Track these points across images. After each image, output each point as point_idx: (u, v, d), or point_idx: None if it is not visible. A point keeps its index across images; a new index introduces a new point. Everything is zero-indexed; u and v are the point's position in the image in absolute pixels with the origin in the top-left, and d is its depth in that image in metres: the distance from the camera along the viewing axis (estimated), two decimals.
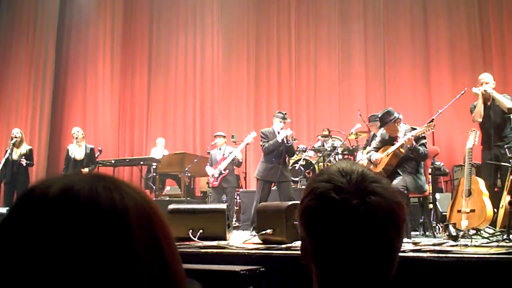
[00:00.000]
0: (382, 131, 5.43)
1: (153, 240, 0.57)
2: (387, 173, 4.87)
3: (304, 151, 8.04)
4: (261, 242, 4.31)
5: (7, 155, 7.58)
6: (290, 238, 4.07)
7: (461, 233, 4.15)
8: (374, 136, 6.49)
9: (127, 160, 9.99)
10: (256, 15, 10.88)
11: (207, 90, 11.21)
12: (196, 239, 4.38)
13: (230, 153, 7.68)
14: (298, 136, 9.03)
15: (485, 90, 5.33)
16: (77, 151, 7.87)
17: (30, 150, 8.00)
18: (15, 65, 11.83)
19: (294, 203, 4.43)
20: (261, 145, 6.51)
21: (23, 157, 7.72)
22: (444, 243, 3.74)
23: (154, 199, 9.01)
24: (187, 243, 4.29)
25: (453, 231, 3.85)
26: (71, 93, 11.98)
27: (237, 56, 10.92)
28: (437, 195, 5.87)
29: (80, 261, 0.52)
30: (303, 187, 7.63)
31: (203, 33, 11.40)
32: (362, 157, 6.44)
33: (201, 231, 4.51)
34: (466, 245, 3.53)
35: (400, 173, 4.94)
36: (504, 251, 3.11)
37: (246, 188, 8.63)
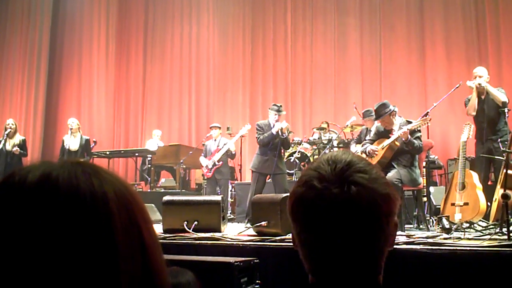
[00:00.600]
0: (377, 123, 5.44)
1: (133, 225, 0.57)
2: (382, 166, 4.89)
3: (300, 144, 8.05)
4: (255, 234, 4.32)
5: (0, 145, 7.54)
6: (285, 230, 4.08)
7: (455, 226, 4.17)
8: (368, 130, 6.51)
9: (122, 151, 9.97)
10: (252, 7, 10.84)
11: (202, 82, 11.18)
12: (191, 230, 4.39)
13: (225, 144, 7.68)
14: (294, 129, 9.03)
15: (479, 84, 5.35)
16: (72, 142, 7.85)
17: (24, 141, 7.98)
18: (9, 55, 11.74)
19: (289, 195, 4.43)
20: (257, 137, 6.51)
21: (16, 147, 7.70)
22: (437, 235, 3.76)
23: (149, 191, 9.01)
24: (182, 234, 4.29)
25: (446, 224, 3.88)
26: (66, 84, 11.91)
27: (233, 48, 10.88)
28: (431, 188, 5.90)
29: (59, 246, 0.52)
30: None
31: (198, 25, 11.34)
32: (355, 150, 6.45)
33: (196, 222, 4.51)
34: (459, 238, 3.55)
35: (395, 166, 4.96)
36: (497, 243, 3.13)
37: (241, 180, 8.64)
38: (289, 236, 3.90)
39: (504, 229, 3.53)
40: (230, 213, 7.60)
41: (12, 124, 7.86)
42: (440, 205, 5.01)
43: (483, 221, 4.58)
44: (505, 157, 4.31)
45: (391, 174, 4.81)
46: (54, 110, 11.78)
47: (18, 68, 11.61)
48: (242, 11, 10.90)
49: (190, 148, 9.05)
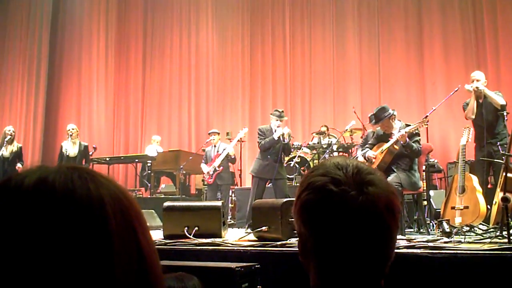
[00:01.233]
0: (376, 128, 5.46)
1: (129, 229, 0.57)
2: (381, 170, 4.89)
3: (299, 148, 8.06)
4: (256, 239, 4.32)
5: (0, 152, 7.56)
6: (285, 235, 4.08)
7: (455, 229, 4.18)
8: (373, 133, 6.54)
9: (122, 157, 9.97)
10: (251, 14, 10.87)
11: (202, 88, 11.21)
12: (191, 236, 4.39)
13: (224, 149, 7.69)
14: (293, 134, 9.02)
15: (476, 87, 5.37)
16: (70, 148, 7.86)
17: (20, 148, 8.02)
18: (9, 62, 11.77)
19: (290, 200, 4.44)
20: (258, 142, 6.53)
21: (14, 154, 7.74)
22: (438, 239, 3.76)
23: (149, 196, 9.01)
24: (183, 240, 4.29)
25: (446, 228, 3.88)
26: (65, 90, 11.93)
27: (232, 54, 10.91)
28: (431, 192, 5.91)
29: (56, 251, 0.52)
30: (298, 184, 7.68)
31: (197, 31, 11.38)
32: (357, 154, 6.47)
33: (196, 228, 4.50)
34: (460, 242, 3.56)
35: (394, 169, 4.97)
36: (497, 247, 3.13)
37: (241, 185, 8.64)
38: (290, 241, 3.91)
39: (505, 232, 3.54)
40: (230, 219, 7.59)
41: (13, 132, 7.88)
42: (440, 209, 5.01)
43: (483, 225, 4.58)
44: (504, 160, 4.32)
45: (391, 178, 4.82)
46: (54, 116, 11.79)
47: (18, 74, 11.63)
48: (241, 18, 10.93)
49: (190, 154, 9.06)
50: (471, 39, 8.95)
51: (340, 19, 10.04)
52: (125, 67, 11.89)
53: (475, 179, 4.76)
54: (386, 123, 5.14)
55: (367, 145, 5.45)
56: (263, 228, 4.23)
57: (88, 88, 11.76)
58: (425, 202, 5.58)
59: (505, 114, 5.20)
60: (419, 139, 5.13)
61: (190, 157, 8.58)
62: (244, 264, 3.13)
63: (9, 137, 7.72)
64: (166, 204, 4.88)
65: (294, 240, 3.94)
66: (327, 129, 8.51)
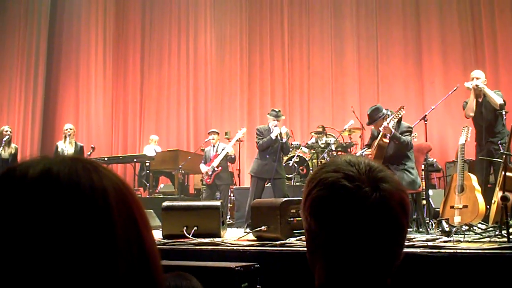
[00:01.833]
0: (372, 127, 5.51)
1: (131, 220, 0.58)
2: None
3: (298, 148, 8.05)
4: (255, 239, 4.31)
5: None
6: (284, 234, 4.08)
7: (454, 229, 4.18)
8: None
9: (120, 157, 9.95)
10: (249, 13, 10.87)
11: (200, 87, 11.20)
12: (190, 236, 4.38)
13: (223, 149, 7.68)
14: (292, 133, 9.04)
15: (476, 85, 5.37)
16: (67, 148, 7.84)
17: (16, 149, 8.01)
18: (6, 62, 11.74)
19: (289, 199, 4.44)
20: (256, 142, 6.53)
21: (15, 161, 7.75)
22: (437, 238, 3.76)
23: (147, 196, 9.00)
24: (182, 240, 4.28)
25: (446, 227, 3.88)
26: (64, 90, 11.91)
27: (230, 54, 10.90)
28: (430, 191, 5.91)
29: (60, 241, 0.52)
30: (297, 184, 7.70)
31: (195, 31, 11.37)
32: (357, 154, 6.48)
33: (195, 228, 4.50)
34: (459, 241, 3.56)
35: (390, 168, 4.97)
36: (497, 246, 3.14)
37: (239, 185, 8.63)
38: (289, 240, 3.91)
39: (504, 232, 3.54)
40: (229, 218, 7.58)
41: (10, 132, 7.85)
42: (439, 208, 5.01)
43: (482, 224, 4.59)
44: (503, 160, 4.32)
45: None
46: (52, 117, 11.77)
47: (16, 75, 11.60)
48: (239, 18, 10.93)
49: (188, 153, 9.05)
50: (469, 39, 8.95)
51: (338, 19, 10.04)
52: (123, 66, 11.87)
53: (474, 178, 4.77)
54: (380, 123, 5.17)
55: (365, 145, 5.49)
56: (262, 227, 4.23)
57: (86, 88, 11.74)
58: (424, 202, 5.58)
59: (504, 113, 5.20)
60: (409, 134, 5.15)
61: (189, 157, 8.57)
62: (244, 263, 3.13)
63: (7, 137, 7.69)
64: (165, 204, 4.88)
65: (293, 240, 3.95)
66: (324, 129, 8.51)
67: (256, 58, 10.65)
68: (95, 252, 0.53)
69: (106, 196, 0.56)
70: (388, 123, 4.96)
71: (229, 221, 7.19)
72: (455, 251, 3.08)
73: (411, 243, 3.49)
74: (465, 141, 4.98)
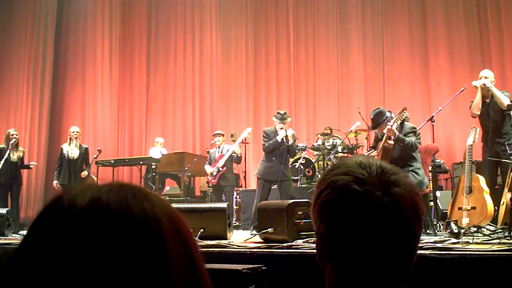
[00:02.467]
0: (376, 131, 5.48)
1: (185, 249, 0.56)
2: None
3: (304, 150, 8.03)
4: (262, 241, 4.30)
5: (6, 155, 7.55)
6: (291, 236, 4.06)
7: (462, 230, 4.14)
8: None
9: (127, 160, 9.96)
10: (254, 14, 10.87)
11: (206, 90, 11.20)
12: (197, 238, 4.37)
13: (228, 150, 7.67)
14: (297, 135, 9.01)
15: (484, 84, 5.33)
16: (72, 151, 7.86)
17: (24, 152, 8.04)
18: (14, 64, 11.79)
19: (295, 201, 4.43)
20: (262, 144, 6.52)
21: (21, 160, 7.79)
22: (445, 240, 3.73)
23: None
24: None
25: (455, 228, 3.84)
26: (70, 93, 11.95)
27: (236, 55, 10.90)
28: (437, 193, 5.87)
29: (114, 274, 0.50)
30: (303, 185, 7.67)
31: (201, 32, 11.38)
32: None
33: (201, 230, 4.49)
34: (468, 243, 3.52)
35: None
36: (506, 248, 3.10)
37: (245, 187, 8.62)
38: (296, 243, 3.89)
39: None
40: (235, 220, 7.57)
41: (17, 135, 7.88)
42: (447, 210, 4.98)
43: (491, 225, 4.55)
44: None
45: None
46: (59, 120, 11.81)
47: (22, 78, 11.65)
48: (244, 19, 10.93)
49: (194, 156, 9.05)
50: (476, 39, 8.90)
51: (344, 19, 10.02)
52: (129, 69, 11.90)
53: (482, 180, 4.73)
54: (384, 127, 5.13)
55: (370, 148, 5.47)
56: (269, 229, 4.21)
57: (92, 91, 11.77)
58: (431, 203, 5.54)
59: (511, 114, 5.15)
60: (413, 135, 5.12)
61: (195, 159, 8.57)
62: (251, 266, 3.11)
63: (14, 140, 7.71)
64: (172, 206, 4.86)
65: (300, 242, 3.93)
66: (331, 131, 8.48)
67: (261, 59, 10.65)
68: (151, 283, 0.51)
69: (160, 225, 0.54)
70: (391, 125, 4.92)
71: (235, 223, 7.18)
72: (464, 253, 3.05)
73: (420, 244, 3.46)
74: (473, 142, 4.95)
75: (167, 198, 8.58)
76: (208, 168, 7.66)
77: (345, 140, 8.08)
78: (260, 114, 10.45)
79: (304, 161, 7.89)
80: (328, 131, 8.46)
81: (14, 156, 7.71)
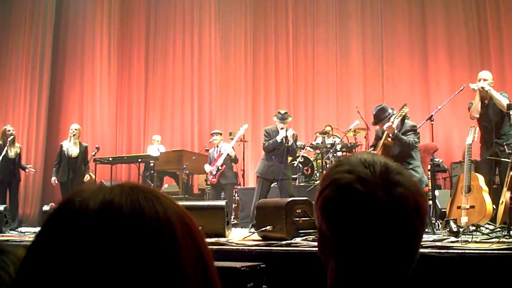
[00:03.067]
0: (376, 128, 5.48)
1: (197, 252, 0.56)
2: None
3: (303, 148, 8.03)
4: (260, 239, 4.29)
5: (4, 152, 7.53)
6: (290, 234, 4.06)
7: (461, 229, 4.14)
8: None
9: (125, 157, 9.93)
10: (254, 13, 10.85)
11: (204, 88, 11.19)
12: None
13: (226, 149, 7.68)
14: (296, 133, 9.01)
15: (482, 87, 5.32)
16: (72, 148, 7.83)
17: (21, 148, 8.03)
18: (12, 62, 11.76)
19: (294, 199, 4.42)
20: (263, 143, 6.52)
21: (21, 163, 7.86)
22: (444, 239, 3.73)
23: None
24: None
25: (454, 227, 3.84)
26: (68, 90, 11.92)
27: (235, 54, 10.88)
28: (436, 192, 5.87)
29: (128, 278, 0.49)
30: (302, 184, 7.67)
31: (200, 31, 11.36)
32: None
33: (200, 227, 4.47)
34: (467, 241, 3.52)
35: None
36: (506, 246, 3.10)
37: (244, 185, 8.61)
38: (295, 241, 3.88)
39: None
40: (234, 218, 7.56)
41: (13, 130, 7.86)
42: (445, 209, 4.98)
43: (490, 224, 4.55)
44: (511, 160, 4.29)
45: None
46: (57, 117, 11.78)
47: (20, 75, 11.62)
48: (243, 18, 10.91)
49: (193, 154, 9.04)
50: (475, 39, 8.90)
51: (344, 19, 10.01)
52: (127, 67, 11.88)
53: (481, 179, 4.73)
54: (386, 123, 5.13)
55: (370, 146, 5.46)
56: (268, 227, 4.21)
57: (91, 88, 11.74)
58: (430, 202, 5.54)
59: (511, 113, 5.14)
60: (413, 134, 5.11)
61: (193, 157, 8.56)
62: (249, 263, 3.10)
63: (11, 136, 7.69)
64: None
65: (299, 240, 3.92)
66: (331, 129, 8.48)
67: (260, 57, 10.63)
68: (164, 286, 0.51)
69: (172, 228, 0.53)
70: (392, 122, 4.92)
71: (233, 221, 7.17)
72: (463, 251, 3.04)
73: None
74: (472, 141, 4.95)
75: None
76: (208, 168, 7.66)
77: (343, 139, 8.07)
78: (258, 113, 10.44)
79: (302, 160, 7.89)
80: (329, 129, 8.45)
81: (12, 153, 7.68)
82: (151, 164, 9.25)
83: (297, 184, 7.53)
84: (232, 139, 8.33)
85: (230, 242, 4.04)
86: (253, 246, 3.83)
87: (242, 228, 6.86)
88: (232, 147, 7.84)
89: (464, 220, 4.49)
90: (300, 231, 4.12)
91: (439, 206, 5.64)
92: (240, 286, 2.94)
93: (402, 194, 0.81)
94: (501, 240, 3.47)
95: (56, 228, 0.53)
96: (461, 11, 9.06)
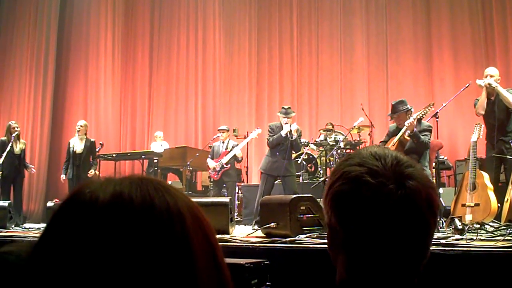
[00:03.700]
0: (390, 123, 5.47)
1: (208, 244, 0.55)
2: None
3: (306, 145, 8.01)
4: (264, 235, 4.29)
5: (8, 148, 7.54)
6: (294, 231, 4.05)
7: (466, 227, 4.13)
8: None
9: (129, 154, 9.96)
10: (258, 9, 10.82)
11: (208, 84, 11.18)
12: None
13: (233, 147, 7.65)
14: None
15: (489, 83, 5.28)
16: (77, 144, 7.84)
17: (25, 144, 8.07)
18: (16, 58, 11.78)
19: (298, 196, 4.42)
20: (267, 139, 6.52)
21: (25, 160, 7.90)
22: (449, 237, 3.72)
23: None
24: None
25: (459, 225, 3.83)
26: (73, 86, 11.94)
27: (239, 50, 10.87)
28: (441, 190, 5.85)
29: (139, 270, 0.49)
30: (305, 181, 7.65)
31: (204, 27, 11.34)
32: None
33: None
34: (472, 239, 3.51)
35: None
36: (511, 244, 3.09)
37: (247, 182, 8.61)
38: (299, 237, 3.87)
39: None
40: (237, 215, 7.56)
41: (18, 127, 7.87)
42: (450, 206, 4.96)
43: (494, 222, 4.53)
44: None
45: None
46: (61, 113, 11.80)
47: (25, 71, 11.64)
48: (248, 13, 10.88)
49: (196, 150, 9.03)
50: (480, 36, 8.85)
51: (348, 15, 9.97)
52: (132, 63, 11.88)
53: (486, 176, 4.70)
54: (402, 116, 5.14)
55: (380, 142, 5.44)
56: (272, 224, 4.20)
57: (95, 84, 11.76)
58: None
59: None
60: (429, 134, 5.10)
61: (197, 154, 8.56)
62: (254, 260, 3.10)
63: (16, 133, 7.70)
64: None
65: (303, 237, 3.92)
66: (333, 127, 8.46)
67: (264, 54, 10.61)
68: (175, 279, 0.50)
69: (183, 219, 0.53)
70: (414, 119, 4.92)
71: (236, 218, 7.17)
72: (468, 249, 3.03)
73: None
74: (477, 138, 4.92)
75: None
76: (211, 163, 7.64)
77: (347, 136, 8.05)
78: (262, 109, 10.43)
79: (306, 157, 7.87)
80: (330, 127, 8.43)
81: (17, 148, 7.70)
82: (155, 161, 9.25)
83: (301, 181, 7.52)
84: (236, 136, 8.32)
85: (234, 239, 4.04)
86: (257, 242, 3.83)
87: (245, 225, 6.86)
88: (240, 149, 7.83)
89: (468, 218, 4.47)
90: (304, 228, 4.11)
91: (444, 204, 5.63)
92: (244, 282, 2.94)
93: (414, 186, 0.80)
94: (506, 238, 3.46)
95: (66, 219, 0.52)
96: (466, 8, 9.02)
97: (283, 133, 6.33)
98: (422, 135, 4.98)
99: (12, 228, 6.25)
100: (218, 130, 8.02)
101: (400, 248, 0.80)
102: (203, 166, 8.39)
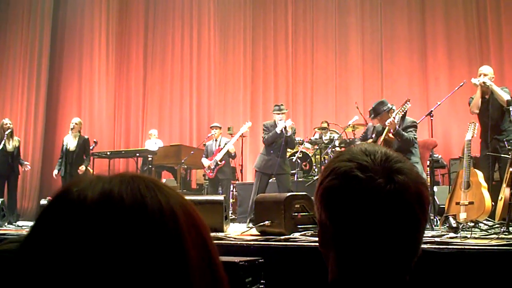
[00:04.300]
0: (376, 123, 5.47)
1: (202, 243, 0.53)
2: None
3: (301, 144, 8.01)
4: (258, 233, 4.28)
5: (1, 145, 7.48)
6: (289, 229, 4.05)
7: (460, 225, 4.13)
8: (375, 128, 6.51)
9: (123, 152, 9.91)
10: (253, 8, 10.80)
11: (203, 82, 11.15)
12: None
13: (226, 144, 7.64)
14: (295, 129, 8.99)
15: (483, 82, 5.29)
16: (70, 142, 7.81)
17: (19, 142, 8.00)
18: (10, 57, 11.70)
19: (293, 194, 4.41)
20: (263, 137, 6.52)
21: (19, 157, 7.83)
22: (443, 235, 3.72)
23: None
24: None
25: (453, 223, 3.83)
26: (66, 85, 11.87)
27: (234, 48, 10.84)
28: (435, 188, 5.86)
29: (130, 270, 0.47)
30: (300, 179, 7.65)
31: (199, 25, 11.31)
32: None
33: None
34: (466, 237, 3.51)
35: None
36: (505, 242, 3.09)
37: (242, 180, 8.60)
38: (294, 236, 3.87)
39: (511, 228, 3.50)
40: (231, 213, 7.55)
41: (11, 124, 7.81)
42: (444, 205, 4.97)
43: (488, 220, 4.54)
44: (511, 156, 4.27)
45: None
46: (55, 111, 11.73)
47: (19, 69, 11.57)
48: (242, 12, 10.86)
49: (191, 148, 9.01)
50: (475, 34, 8.87)
51: (343, 14, 9.97)
52: (126, 61, 11.83)
53: (480, 175, 4.72)
54: (384, 117, 5.13)
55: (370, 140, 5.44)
56: (266, 222, 4.19)
57: (89, 82, 11.70)
58: None
59: (511, 109, 5.12)
60: (414, 130, 5.11)
61: (192, 152, 8.53)
62: (248, 258, 3.09)
63: (9, 130, 7.65)
64: None
65: (297, 235, 3.91)
66: (328, 125, 8.46)
67: (259, 53, 10.60)
68: (168, 278, 0.48)
69: (176, 219, 0.51)
70: (394, 118, 4.92)
71: (231, 216, 7.16)
72: (462, 247, 3.04)
73: None
74: (472, 137, 4.93)
75: None
76: (206, 162, 7.62)
77: (342, 135, 8.05)
78: (257, 107, 10.41)
79: (301, 155, 7.87)
80: (325, 125, 8.44)
81: (10, 146, 7.65)
82: (149, 159, 9.22)
83: (295, 179, 7.51)
84: (230, 134, 8.30)
85: (229, 237, 4.03)
86: (251, 241, 3.82)
87: (240, 223, 6.84)
88: (233, 144, 7.81)
89: (462, 216, 4.49)
90: (299, 226, 4.11)
91: (438, 202, 5.64)
92: (238, 280, 2.93)
93: (403, 181, 0.80)
94: (500, 236, 3.47)
95: (53, 218, 0.51)
96: (461, 6, 9.04)
97: (278, 129, 6.34)
98: (408, 131, 4.99)
99: (5, 226, 6.22)
100: (211, 127, 8.00)
101: (389, 244, 0.79)
102: (198, 164, 8.37)
